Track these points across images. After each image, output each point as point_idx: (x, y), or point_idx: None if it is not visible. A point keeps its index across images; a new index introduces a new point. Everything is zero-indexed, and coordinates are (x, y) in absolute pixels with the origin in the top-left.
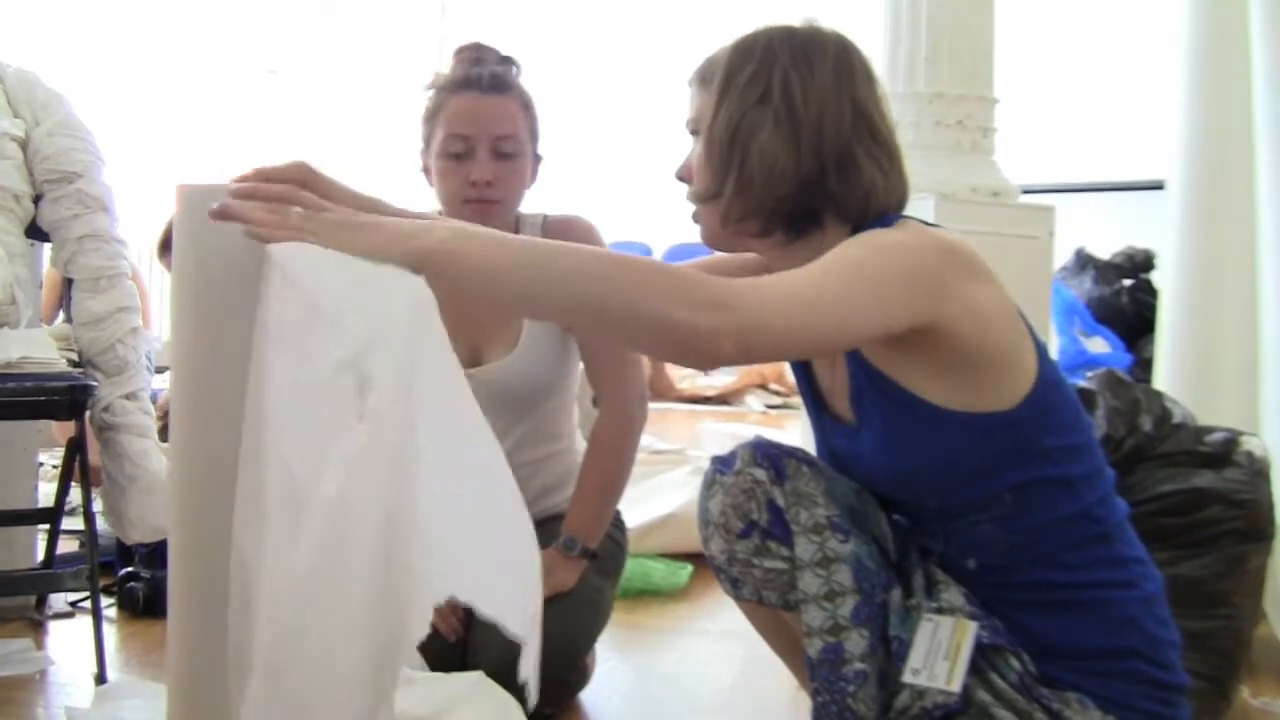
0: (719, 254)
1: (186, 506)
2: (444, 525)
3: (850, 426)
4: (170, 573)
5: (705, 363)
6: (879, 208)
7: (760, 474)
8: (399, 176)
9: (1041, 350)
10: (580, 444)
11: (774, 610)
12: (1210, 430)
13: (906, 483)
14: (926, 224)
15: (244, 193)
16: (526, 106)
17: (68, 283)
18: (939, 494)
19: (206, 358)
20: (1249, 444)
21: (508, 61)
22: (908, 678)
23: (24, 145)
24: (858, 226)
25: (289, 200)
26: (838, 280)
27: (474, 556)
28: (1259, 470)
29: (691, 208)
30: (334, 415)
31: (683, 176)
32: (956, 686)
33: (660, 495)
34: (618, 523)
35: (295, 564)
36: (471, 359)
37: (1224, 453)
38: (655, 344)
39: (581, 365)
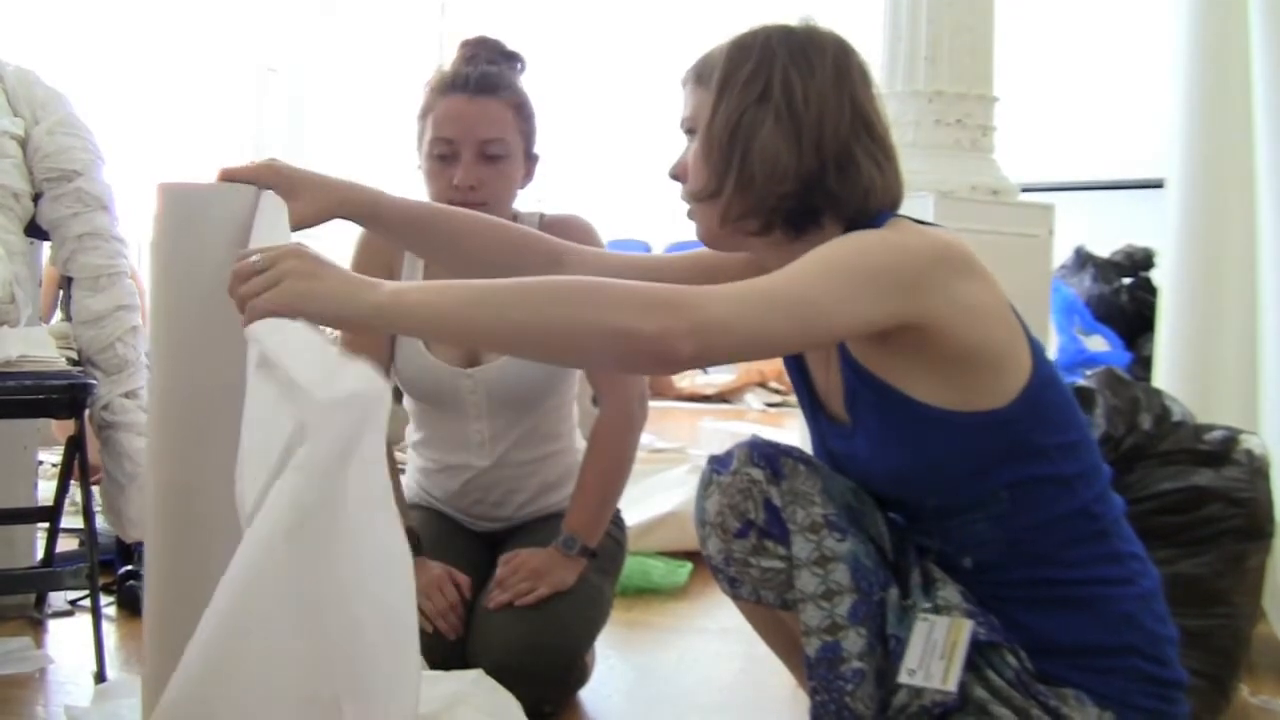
0: (708, 251)
1: (164, 505)
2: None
3: (846, 427)
4: (146, 571)
5: (665, 367)
6: (876, 206)
7: (757, 473)
8: (398, 174)
9: (1036, 348)
10: (580, 443)
11: (772, 610)
12: (1210, 428)
13: (903, 482)
14: (921, 222)
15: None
16: (519, 107)
17: (66, 281)
18: (935, 493)
19: (185, 355)
20: (1248, 442)
21: (511, 57)
22: (903, 678)
23: (24, 144)
24: (852, 225)
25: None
26: (807, 278)
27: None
28: (1258, 468)
29: (686, 206)
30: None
31: (677, 175)
32: (953, 686)
33: (659, 493)
34: (617, 521)
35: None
36: (468, 359)
37: (1223, 451)
38: (610, 355)
39: None
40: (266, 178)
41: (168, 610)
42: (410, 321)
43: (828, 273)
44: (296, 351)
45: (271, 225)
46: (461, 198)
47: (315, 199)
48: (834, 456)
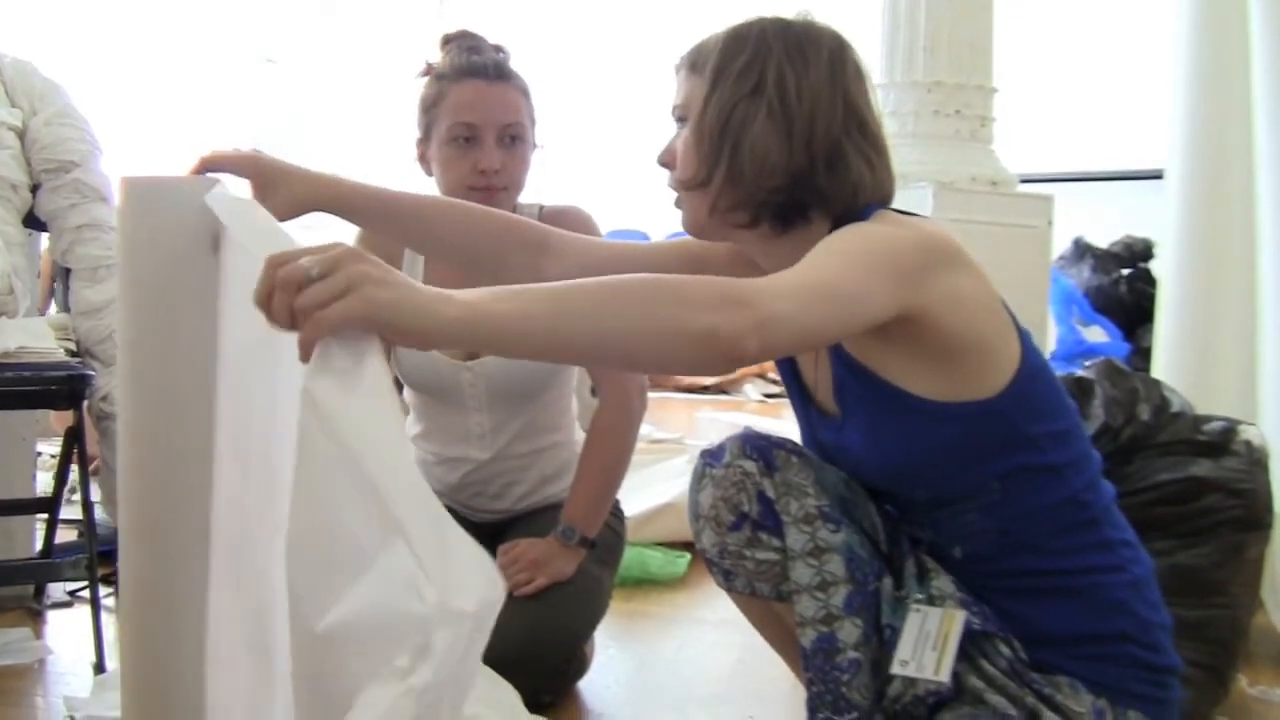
0: (693, 240)
1: (135, 499)
2: None
3: (835, 419)
4: (120, 573)
5: (730, 365)
6: (864, 203)
7: (750, 466)
8: (395, 166)
9: (1025, 338)
10: (579, 435)
11: (767, 602)
12: (1208, 419)
13: (892, 473)
14: (904, 213)
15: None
16: (526, 94)
17: (64, 272)
18: (926, 484)
19: (153, 351)
20: (1247, 433)
21: (499, 50)
22: (896, 669)
23: (21, 135)
24: (838, 220)
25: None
26: (845, 270)
27: None
28: (1257, 459)
29: (673, 193)
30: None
31: (665, 162)
32: (945, 676)
33: (658, 484)
34: (616, 512)
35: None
36: (468, 352)
37: (1222, 441)
38: (689, 357)
39: None
40: (245, 167)
41: (141, 607)
42: (490, 336)
43: (855, 264)
44: (392, 469)
45: (253, 223)
46: (485, 182)
47: (292, 192)
48: (824, 448)
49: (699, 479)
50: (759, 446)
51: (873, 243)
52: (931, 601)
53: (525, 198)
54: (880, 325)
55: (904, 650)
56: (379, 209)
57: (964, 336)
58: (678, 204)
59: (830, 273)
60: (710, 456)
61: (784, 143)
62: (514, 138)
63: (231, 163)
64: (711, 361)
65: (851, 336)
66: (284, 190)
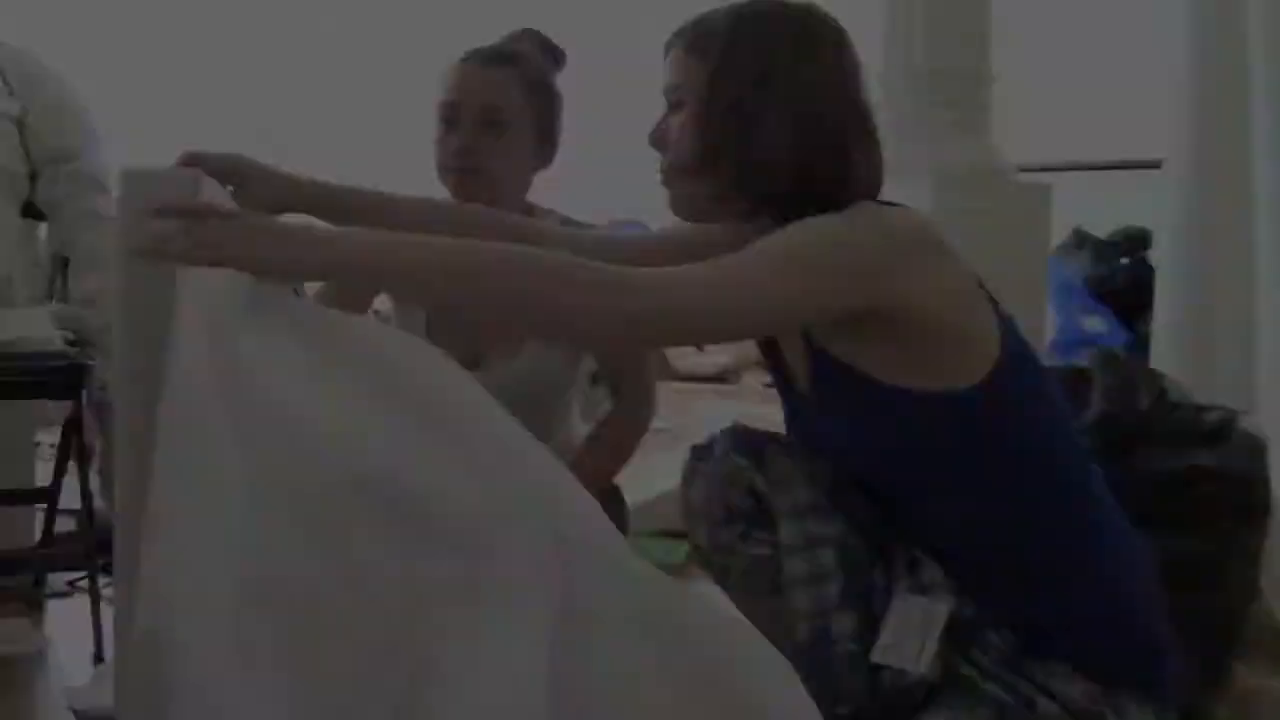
0: (689, 231)
1: (128, 489)
2: None
3: (815, 405)
4: (116, 551)
5: (596, 346)
6: (853, 195)
7: (740, 461)
8: (394, 158)
9: (1007, 325)
10: (578, 435)
11: (761, 597)
12: (1207, 408)
13: (873, 463)
14: (883, 204)
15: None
16: (532, 84)
17: (62, 262)
18: (904, 474)
19: (150, 341)
20: (1245, 422)
21: (549, 48)
22: (876, 656)
23: (20, 124)
24: (824, 210)
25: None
26: (760, 266)
27: None
28: (1255, 448)
29: (662, 174)
30: None
31: (657, 142)
32: (924, 667)
33: (657, 473)
34: (619, 500)
35: None
36: (471, 361)
37: (1220, 431)
38: (558, 330)
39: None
40: (225, 166)
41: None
42: (397, 275)
43: (788, 263)
44: None
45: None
46: (457, 163)
47: (270, 192)
48: (807, 433)
49: (690, 475)
50: (749, 441)
51: (825, 239)
52: (923, 591)
53: (545, 202)
54: (849, 319)
55: (886, 637)
56: (353, 209)
57: (939, 327)
58: (667, 185)
59: (750, 268)
60: (700, 452)
61: (787, 136)
62: (493, 122)
63: (212, 161)
64: (581, 339)
65: (781, 331)
66: (262, 190)
